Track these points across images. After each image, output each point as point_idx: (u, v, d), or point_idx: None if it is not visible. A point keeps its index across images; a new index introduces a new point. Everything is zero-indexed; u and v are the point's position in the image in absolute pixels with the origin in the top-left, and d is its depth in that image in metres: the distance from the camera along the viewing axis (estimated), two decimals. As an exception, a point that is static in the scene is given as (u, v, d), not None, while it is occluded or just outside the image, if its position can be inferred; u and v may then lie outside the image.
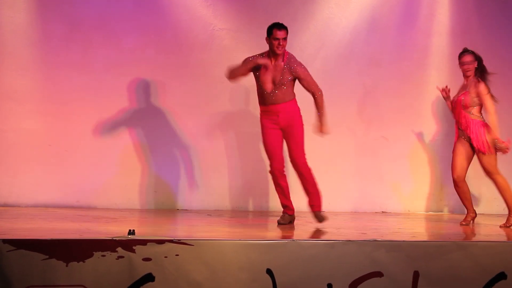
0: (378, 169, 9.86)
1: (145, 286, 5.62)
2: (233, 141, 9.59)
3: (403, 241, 6.34)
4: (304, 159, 7.70)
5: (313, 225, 7.95)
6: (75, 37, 9.23)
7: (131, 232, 5.87)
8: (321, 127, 7.72)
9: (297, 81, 7.73)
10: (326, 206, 9.65)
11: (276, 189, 7.88)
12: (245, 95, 9.60)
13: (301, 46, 9.74)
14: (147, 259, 5.64)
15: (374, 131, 9.85)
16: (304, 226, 7.85)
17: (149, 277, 5.64)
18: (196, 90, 9.44)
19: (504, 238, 7.00)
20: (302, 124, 7.71)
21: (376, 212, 9.77)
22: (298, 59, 9.68)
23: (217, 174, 9.50)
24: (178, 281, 5.66)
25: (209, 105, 9.48)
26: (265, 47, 9.63)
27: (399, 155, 9.88)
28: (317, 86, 7.74)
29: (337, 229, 7.65)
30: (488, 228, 8.01)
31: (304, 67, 7.74)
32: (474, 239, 6.84)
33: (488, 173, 8.10)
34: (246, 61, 7.72)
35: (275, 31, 7.59)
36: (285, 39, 7.61)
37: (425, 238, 7.09)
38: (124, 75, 9.28)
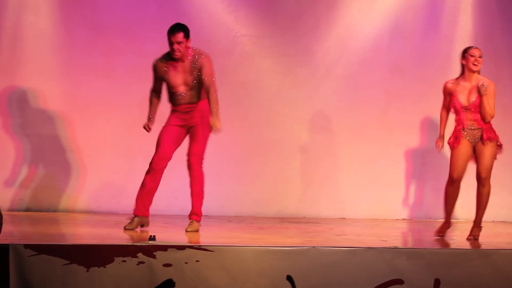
0: (400, 175, 9.82)
1: (165, 292, 5.64)
2: (255, 147, 9.59)
3: (424, 248, 6.32)
4: (200, 159, 7.42)
5: (334, 231, 7.94)
6: (98, 42, 9.27)
7: (152, 238, 5.89)
8: (212, 124, 7.32)
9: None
10: (346, 212, 9.67)
11: (141, 187, 7.46)
12: (267, 101, 9.59)
13: (323, 51, 9.73)
14: (167, 265, 5.65)
15: (396, 137, 9.82)
16: (325, 233, 7.84)
17: (170, 283, 5.65)
18: (218, 96, 9.43)
19: (526, 246, 6.95)
20: (209, 126, 7.38)
21: (397, 219, 9.74)
22: (320, 65, 9.72)
23: (238, 180, 9.50)
24: (198, 287, 5.67)
25: (231, 111, 9.46)
26: (287, 53, 9.67)
27: (421, 162, 9.84)
28: (213, 81, 7.36)
29: (357, 236, 7.63)
30: (511, 236, 7.96)
31: (209, 59, 7.39)
32: (497, 247, 6.79)
33: (487, 175, 7.61)
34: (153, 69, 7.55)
35: (170, 34, 7.31)
36: (180, 43, 7.27)
37: (446, 245, 7.06)
38: (147, 80, 9.26)
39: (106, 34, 9.29)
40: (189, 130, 7.46)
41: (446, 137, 7.70)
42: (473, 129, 7.53)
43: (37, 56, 9.15)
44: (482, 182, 7.59)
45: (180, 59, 7.37)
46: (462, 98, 7.53)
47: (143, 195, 7.43)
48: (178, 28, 7.33)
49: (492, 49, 9.69)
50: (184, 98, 7.41)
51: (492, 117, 7.54)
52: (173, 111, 7.51)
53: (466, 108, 7.51)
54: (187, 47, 7.38)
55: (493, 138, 7.55)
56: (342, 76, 9.77)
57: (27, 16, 9.13)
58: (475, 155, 7.62)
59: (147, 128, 7.58)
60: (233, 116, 9.51)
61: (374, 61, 9.85)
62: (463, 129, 7.53)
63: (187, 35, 7.37)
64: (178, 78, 7.40)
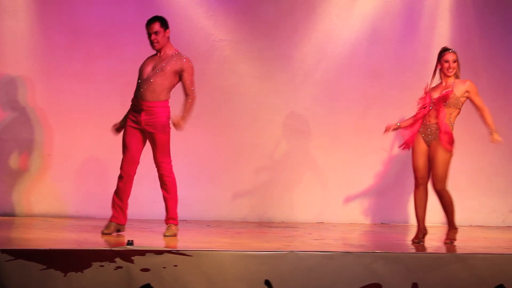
0: (378, 180, 9.85)
1: (143, 297, 5.63)
2: (233, 151, 9.59)
3: (402, 253, 6.34)
4: (167, 165, 7.39)
5: (312, 236, 7.95)
6: (77, 47, 9.25)
7: (130, 243, 5.88)
8: (178, 120, 7.31)
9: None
10: (324, 217, 9.69)
11: (115, 192, 7.44)
12: (245, 106, 9.60)
13: (302, 57, 9.75)
14: (145, 270, 5.64)
15: (374, 142, 9.84)
16: (303, 237, 7.85)
17: (148, 288, 5.65)
18: (197, 101, 9.41)
19: (503, 250, 7.00)
20: (167, 132, 7.34)
21: (375, 224, 9.76)
22: (298, 70, 9.74)
23: (217, 184, 9.50)
24: (176, 291, 5.67)
25: (209, 116, 9.48)
26: (266, 58, 9.68)
27: (399, 166, 9.86)
28: (193, 89, 7.36)
29: (336, 240, 7.65)
30: (487, 240, 8.00)
31: (192, 65, 7.36)
32: (473, 251, 6.83)
33: (442, 187, 7.39)
34: None
35: (146, 28, 7.34)
36: (157, 32, 7.29)
37: (424, 250, 7.08)
38: (125, 85, 9.26)
39: (84, 39, 9.27)
40: (147, 136, 7.41)
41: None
42: (429, 124, 7.47)
43: (15, 61, 9.12)
44: (439, 194, 7.46)
45: (163, 51, 7.38)
46: (435, 94, 7.51)
47: (117, 201, 7.45)
48: (154, 19, 7.38)
49: (470, 55, 9.73)
50: (144, 85, 7.31)
51: (488, 110, 7.50)
52: (131, 106, 7.45)
53: (433, 102, 7.47)
54: (166, 38, 7.38)
55: (448, 139, 7.44)
56: (321, 81, 9.79)
57: (5, 21, 9.10)
58: (429, 157, 7.49)
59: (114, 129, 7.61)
60: (211, 120, 9.51)
61: (352, 67, 9.87)
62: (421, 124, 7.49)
63: (164, 25, 7.38)
64: (150, 64, 7.40)
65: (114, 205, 7.45)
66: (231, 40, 9.61)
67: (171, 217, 7.47)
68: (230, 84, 9.60)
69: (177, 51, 7.43)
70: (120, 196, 7.44)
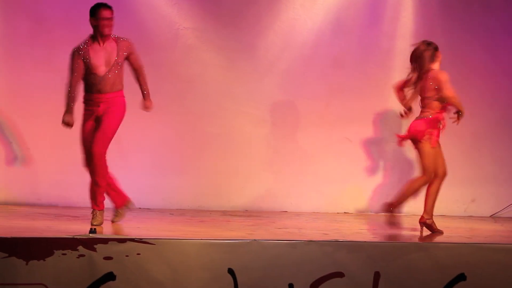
0: (341, 170, 9.88)
1: (106, 285, 5.61)
2: (197, 140, 9.58)
3: (365, 241, 6.38)
4: (102, 149, 7.24)
5: (275, 225, 7.97)
6: (39, 35, 9.18)
7: (93, 231, 5.86)
8: (145, 103, 7.52)
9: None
10: (288, 206, 9.72)
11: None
12: (209, 94, 9.59)
13: (265, 46, 9.75)
14: (108, 258, 5.63)
15: (338, 132, 9.88)
16: (266, 226, 7.86)
17: (110, 276, 5.63)
18: (161, 90, 9.38)
19: (464, 240, 7.06)
20: (119, 117, 7.37)
21: (338, 213, 9.80)
22: (263, 59, 9.75)
23: (180, 173, 9.49)
24: (139, 280, 5.66)
25: (174, 105, 9.46)
26: (230, 47, 9.66)
27: (362, 155, 9.91)
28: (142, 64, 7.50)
29: (299, 229, 7.67)
30: (449, 230, 8.06)
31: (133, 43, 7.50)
32: (435, 240, 6.89)
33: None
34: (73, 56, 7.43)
35: (101, 11, 7.30)
36: (110, 19, 7.31)
37: (386, 239, 7.13)
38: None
39: (47, 26, 9.20)
40: (98, 121, 7.36)
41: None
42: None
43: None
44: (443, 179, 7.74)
45: (103, 41, 7.34)
46: None
47: (108, 191, 7.49)
48: (108, 5, 7.37)
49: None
50: (102, 81, 7.32)
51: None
52: (85, 102, 7.43)
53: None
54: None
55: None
56: (284, 70, 9.80)
57: (-37, 6, 9.02)
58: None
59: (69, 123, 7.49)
60: (175, 109, 9.49)
61: (316, 56, 9.89)
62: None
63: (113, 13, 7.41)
64: (99, 58, 7.36)
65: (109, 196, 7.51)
66: (195, 28, 9.59)
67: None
68: (194, 73, 9.58)
69: (116, 36, 7.43)
70: (106, 187, 7.43)
